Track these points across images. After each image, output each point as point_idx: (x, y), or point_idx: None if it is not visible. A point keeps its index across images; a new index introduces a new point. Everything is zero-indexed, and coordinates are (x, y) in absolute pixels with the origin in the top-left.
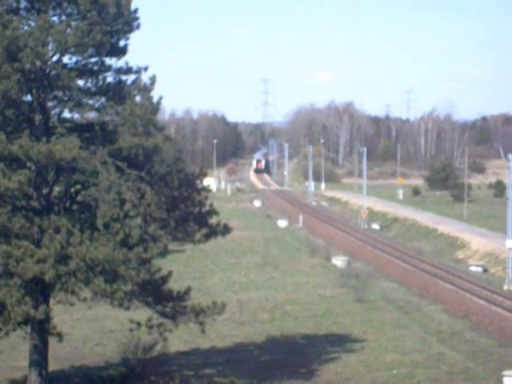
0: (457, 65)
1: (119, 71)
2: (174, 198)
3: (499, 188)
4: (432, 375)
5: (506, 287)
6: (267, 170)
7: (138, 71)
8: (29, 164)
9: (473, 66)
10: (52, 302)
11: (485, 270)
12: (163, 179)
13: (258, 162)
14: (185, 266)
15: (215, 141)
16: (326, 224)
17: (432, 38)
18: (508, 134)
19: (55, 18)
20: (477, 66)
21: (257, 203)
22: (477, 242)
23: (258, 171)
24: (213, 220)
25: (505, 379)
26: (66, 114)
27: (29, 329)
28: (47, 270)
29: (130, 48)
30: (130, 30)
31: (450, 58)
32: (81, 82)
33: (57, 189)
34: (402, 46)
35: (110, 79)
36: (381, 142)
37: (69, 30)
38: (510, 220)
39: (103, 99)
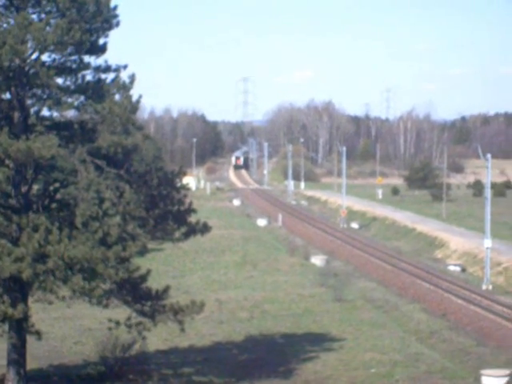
0: (436, 65)
1: (98, 69)
2: (153, 197)
3: (478, 187)
4: (410, 374)
5: (484, 286)
6: (246, 166)
7: (118, 69)
8: (7, 162)
9: (452, 67)
10: (30, 300)
11: (463, 270)
12: (142, 178)
13: (237, 158)
14: (164, 264)
15: (194, 139)
16: (305, 223)
17: (411, 37)
18: (487, 134)
19: (34, 16)
20: (456, 67)
21: (236, 202)
22: (455, 241)
23: (236, 167)
24: (192, 219)
25: (483, 378)
26: (45, 112)
27: (7, 327)
28: (25, 269)
29: (109, 46)
30: (110, 28)
31: (429, 58)
32: (60, 80)
33: (35, 187)
34: (382, 45)
35: (89, 77)
36: (360, 142)
37: (48, 28)
38: (488, 220)
39: (82, 97)
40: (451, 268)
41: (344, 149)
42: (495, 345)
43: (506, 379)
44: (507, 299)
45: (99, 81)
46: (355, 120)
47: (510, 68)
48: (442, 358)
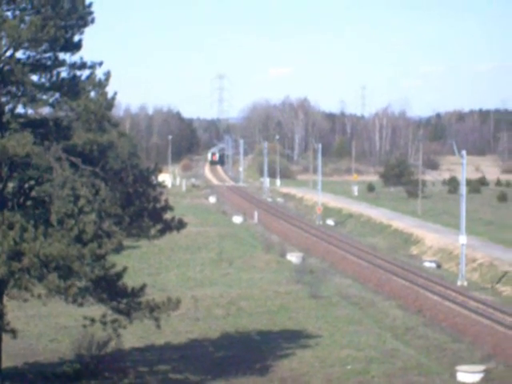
0: (411, 62)
1: (73, 66)
2: (128, 194)
3: (453, 184)
4: (386, 370)
5: (459, 283)
6: (221, 162)
7: (93, 66)
8: None
9: (427, 64)
10: (5, 298)
11: (438, 266)
12: (118, 175)
13: (213, 154)
14: (139, 262)
15: (170, 137)
16: (280, 220)
17: (386, 35)
18: (462, 131)
19: (9, 13)
20: (431, 64)
21: (212, 199)
22: (431, 237)
23: (212, 163)
24: (167, 216)
25: (458, 374)
26: (20, 110)
27: None
28: (0, 267)
29: (84, 43)
30: (85, 25)
31: (404, 55)
32: (35, 77)
33: (11, 185)
34: (357, 42)
35: (64, 74)
36: (336, 139)
37: (22, 25)
38: (463, 216)
39: (57, 94)
40: (427, 264)
41: (319, 146)
42: (470, 341)
43: (481, 375)
44: (482, 295)
45: (74, 78)
46: (331, 117)
47: (484, 65)
48: (417, 354)
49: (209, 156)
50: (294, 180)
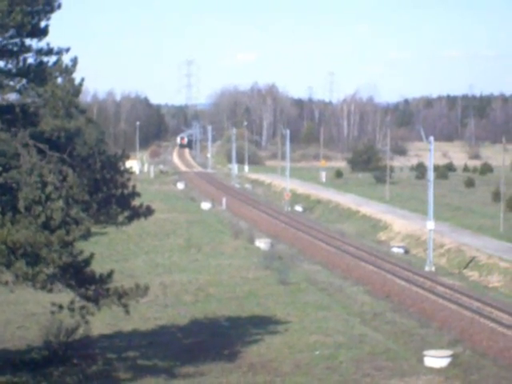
0: (379, 48)
1: (40, 52)
2: (96, 181)
3: (421, 170)
4: (354, 356)
5: (426, 268)
6: (190, 146)
7: (60, 52)
8: None
9: (394, 49)
10: None
11: (406, 252)
12: (85, 161)
13: (182, 138)
14: (107, 248)
15: (138, 123)
16: (249, 206)
17: (354, 20)
18: (429, 117)
19: None
20: (398, 50)
21: (180, 185)
22: (399, 223)
23: (181, 146)
24: (135, 202)
25: (425, 359)
26: None
27: None
28: None
29: (50, 29)
30: (51, 10)
31: (371, 41)
32: (1, 63)
33: None
34: (324, 28)
35: (30, 60)
36: (304, 125)
37: None
38: (431, 202)
39: (24, 81)
40: (395, 250)
41: (288, 132)
42: (438, 326)
43: (448, 360)
44: (450, 280)
45: (41, 64)
46: (299, 103)
47: (452, 51)
48: (385, 339)
49: (178, 140)
50: (262, 166)
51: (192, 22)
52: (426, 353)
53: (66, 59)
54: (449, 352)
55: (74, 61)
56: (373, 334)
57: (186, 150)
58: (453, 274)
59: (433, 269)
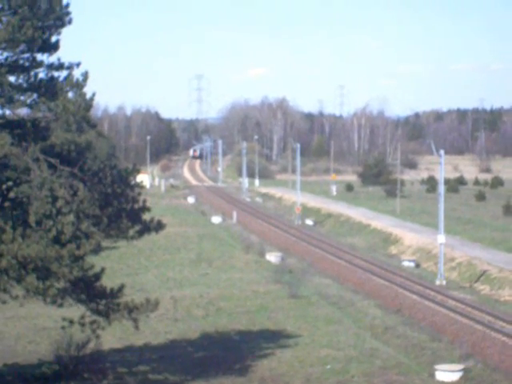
0: (389, 61)
1: (51, 67)
2: (106, 195)
3: (431, 183)
4: (366, 370)
5: (437, 282)
6: (201, 157)
7: (71, 67)
8: None
9: (405, 63)
10: None
11: (417, 265)
12: (96, 176)
13: (194, 150)
14: (118, 262)
15: (149, 137)
16: (259, 220)
17: (364, 34)
18: (440, 130)
19: None
20: (409, 63)
21: (191, 200)
22: (409, 237)
23: (193, 158)
24: (146, 216)
25: (437, 373)
26: None
27: None
28: None
29: (61, 44)
30: (62, 26)
31: (381, 54)
32: (12, 78)
33: None
34: (334, 42)
35: (41, 75)
36: (314, 138)
37: (0, 26)
38: (441, 215)
39: (35, 95)
40: (405, 264)
41: (298, 146)
42: (449, 340)
43: (459, 374)
44: (461, 294)
45: (52, 79)
46: (309, 117)
47: (462, 64)
48: (396, 353)
49: (191, 152)
50: (272, 180)
51: (202, 36)
52: (437, 367)
53: (77, 74)
54: (460, 366)
55: (85, 75)
56: (384, 348)
57: (197, 164)
58: (464, 288)
59: (444, 282)
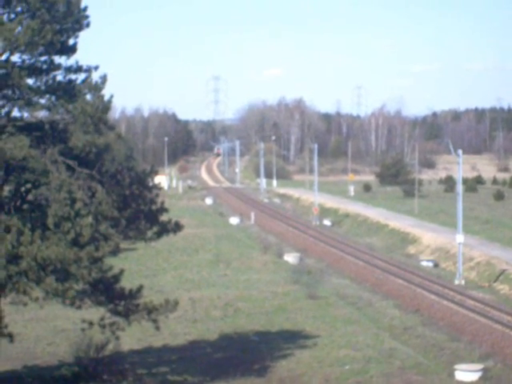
0: (406, 61)
1: (69, 70)
2: (125, 197)
3: (449, 183)
4: (384, 370)
5: (456, 282)
6: (224, 155)
7: (89, 70)
8: None
9: (421, 63)
10: (3, 302)
11: (436, 265)
12: (114, 177)
13: (218, 148)
14: (137, 264)
15: (166, 138)
16: (277, 221)
17: (380, 34)
18: (457, 130)
19: (4, 17)
20: (425, 62)
21: (208, 201)
22: (428, 237)
23: (217, 155)
24: (164, 218)
25: (456, 373)
26: (16, 113)
27: None
28: None
29: (79, 46)
30: (80, 28)
31: (398, 54)
32: (30, 81)
33: (7, 188)
34: (351, 42)
35: (60, 78)
36: (332, 139)
37: (19, 29)
38: (460, 215)
39: (53, 98)
40: (424, 264)
41: (315, 146)
42: (468, 340)
43: (479, 374)
44: (479, 294)
45: (70, 81)
46: (326, 117)
47: (480, 64)
48: (415, 353)
49: (215, 150)
50: (290, 180)
51: (219, 37)
52: (456, 367)
53: (95, 76)
54: (480, 366)
55: (103, 78)
56: (403, 348)
57: (215, 165)
58: (483, 288)
59: (462, 282)
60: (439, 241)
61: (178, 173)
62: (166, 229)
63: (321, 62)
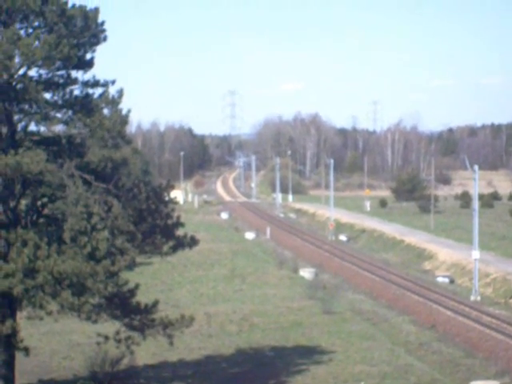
0: (421, 76)
1: (86, 84)
2: (141, 211)
3: (465, 199)
4: None
5: (472, 298)
6: (244, 167)
7: (106, 84)
8: None
9: (438, 78)
10: (19, 316)
11: (451, 281)
12: (130, 192)
13: (239, 161)
14: (152, 278)
15: (182, 153)
16: (293, 236)
17: (396, 49)
18: (474, 145)
19: (22, 31)
20: (441, 78)
21: (224, 215)
22: (443, 252)
23: (239, 167)
24: (180, 232)
25: None
26: (33, 127)
27: None
28: (16, 285)
29: (96, 60)
30: (97, 43)
31: (414, 69)
32: (47, 95)
33: (23, 202)
34: (367, 57)
35: (76, 92)
36: (348, 154)
37: (36, 43)
38: (476, 231)
39: (70, 112)
40: (440, 279)
41: (331, 161)
42: (484, 356)
43: None
44: (496, 310)
45: (87, 96)
46: (342, 132)
47: (496, 79)
48: (431, 369)
49: (236, 162)
50: (306, 195)
51: (235, 52)
52: (472, 383)
53: (112, 90)
54: (496, 383)
55: (120, 92)
56: (418, 364)
57: (231, 180)
58: (499, 304)
59: (478, 298)
60: (455, 257)
61: (194, 187)
62: (181, 243)
63: (337, 77)
